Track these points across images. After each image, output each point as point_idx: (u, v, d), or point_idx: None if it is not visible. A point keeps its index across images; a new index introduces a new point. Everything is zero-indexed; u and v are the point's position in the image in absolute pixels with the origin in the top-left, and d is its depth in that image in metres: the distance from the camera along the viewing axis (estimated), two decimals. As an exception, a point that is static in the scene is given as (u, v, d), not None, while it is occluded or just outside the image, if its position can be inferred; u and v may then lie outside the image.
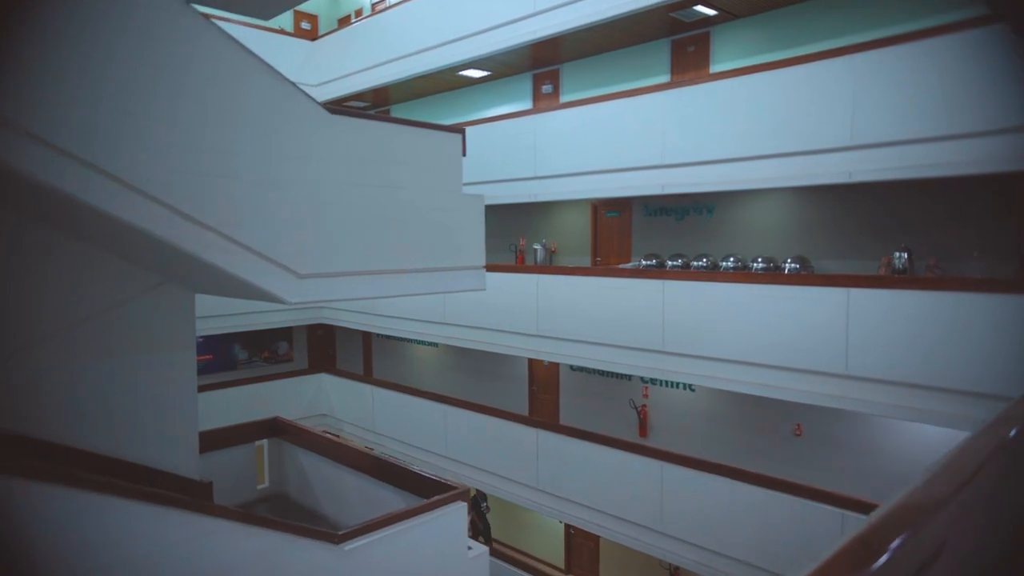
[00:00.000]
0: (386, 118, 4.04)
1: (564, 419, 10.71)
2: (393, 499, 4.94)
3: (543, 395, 11.08)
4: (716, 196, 8.59)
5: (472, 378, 12.25)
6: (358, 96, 12.86)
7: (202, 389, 11.79)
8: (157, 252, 3.31)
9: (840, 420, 7.65)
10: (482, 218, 4.49)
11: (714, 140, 7.20)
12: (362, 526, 3.94)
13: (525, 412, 11.31)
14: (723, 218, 8.64)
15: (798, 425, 8.07)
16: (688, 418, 9.17)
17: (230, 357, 13.53)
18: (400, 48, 11.15)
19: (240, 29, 12.22)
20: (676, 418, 9.31)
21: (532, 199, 9.17)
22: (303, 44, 13.09)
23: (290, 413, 12.79)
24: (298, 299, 3.49)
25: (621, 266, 9.23)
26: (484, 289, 4.53)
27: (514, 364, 11.44)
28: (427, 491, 4.72)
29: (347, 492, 5.47)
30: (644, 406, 9.59)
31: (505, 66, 10.71)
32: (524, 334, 9.16)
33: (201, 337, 13.01)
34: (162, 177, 2.93)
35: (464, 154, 4.34)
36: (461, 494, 4.51)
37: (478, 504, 11.62)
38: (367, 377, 13.27)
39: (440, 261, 4.21)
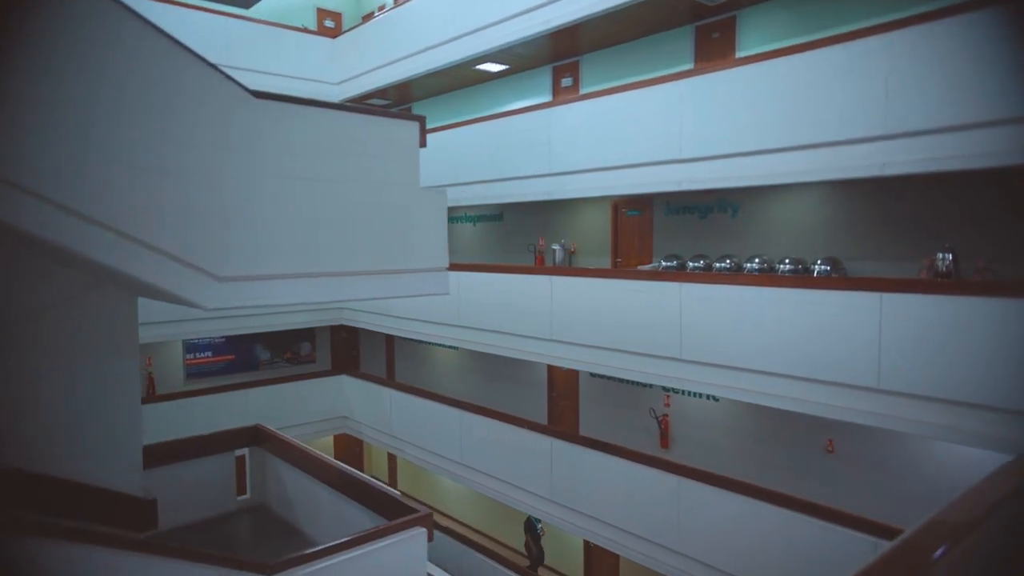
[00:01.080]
0: (325, 103, 3.68)
1: (584, 426, 10.25)
2: (361, 518, 4.60)
3: (563, 401, 10.64)
4: (741, 193, 8.00)
5: (492, 382, 11.89)
6: (379, 93, 12.66)
7: (222, 390, 11.83)
8: (59, 252, 3.04)
9: (877, 437, 6.98)
10: (444, 215, 4.07)
11: (735, 132, 6.64)
12: (298, 556, 3.59)
13: (545, 418, 10.89)
14: (749, 216, 8.04)
15: (830, 441, 7.42)
16: (711, 429, 8.60)
17: (252, 357, 13.52)
18: (416, 43, 10.87)
19: (262, 28, 12.17)
20: (699, 429, 8.75)
21: (546, 197, 8.73)
22: (325, 42, 12.95)
23: (310, 415, 12.72)
24: (217, 304, 3.16)
25: (640, 267, 8.71)
26: (447, 293, 4.14)
27: (534, 368, 11.02)
28: (391, 512, 4.35)
29: (321, 507, 5.15)
30: (665, 416, 9.05)
31: (523, 59, 10.31)
32: (538, 338, 8.75)
33: (223, 337, 13.05)
34: (35, 165, 2.62)
35: (423, 145, 3.95)
36: (421, 519, 4.11)
37: (533, 527, 10.95)
38: (387, 380, 13.05)
39: (394, 263, 3.81)
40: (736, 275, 6.91)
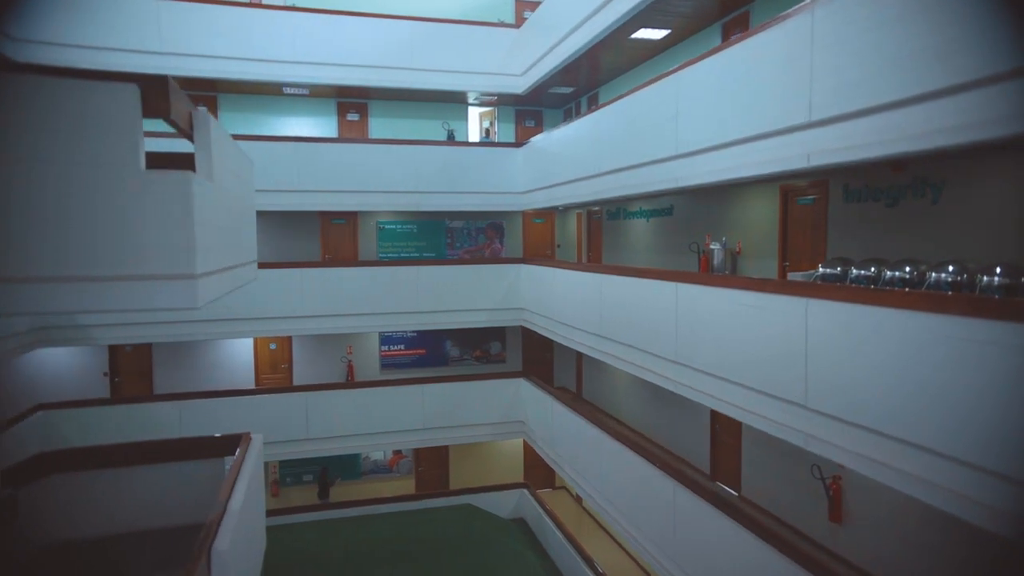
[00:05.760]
0: None
1: (746, 475, 8.15)
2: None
3: (726, 438, 8.60)
4: (945, 168, 5.36)
5: (656, 404, 10.25)
6: (560, 79, 11.88)
7: (400, 383, 12.22)
8: None
9: None
10: (188, 206, 3.09)
11: (894, 68, 4.32)
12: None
13: (707, 457, 8.97)
14: (956, 202, 5.34)
15: (1089, 567, 4.51)
16: (904, 510, 5.97)
17: (442, 353, 13.84)
18: (575, 16, 9.79)
19: (445, 27, 12.30)
20: (886, 505, 6.15)
21: (674, 184, 7.00)
22: (509, 33, 12.60)
23: (485, 416, 12.53)
24: None
25: (791, 276, 6.46)
26: (196, 307, 3.20)
27: (700, 393, 9.15)
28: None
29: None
30: (836, 478, 6.60)
31: (686, 19, 8.55)
32: (664, 358, 7.13)
33: (415, 332, 13.59)
34: None
35: (158, 115, 3.08)
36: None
37: None
38: (548, 386, 12.18)
39: (100, 267, 3.00)
40: (881, 292, 4.47)
